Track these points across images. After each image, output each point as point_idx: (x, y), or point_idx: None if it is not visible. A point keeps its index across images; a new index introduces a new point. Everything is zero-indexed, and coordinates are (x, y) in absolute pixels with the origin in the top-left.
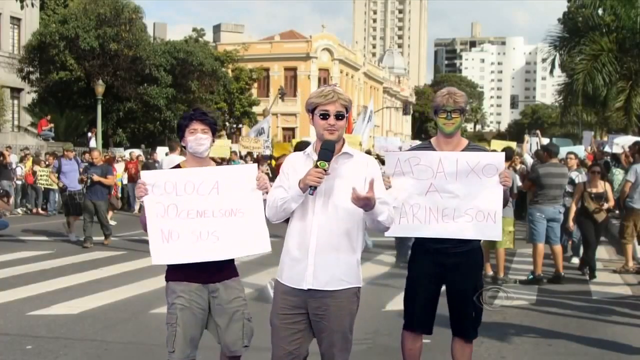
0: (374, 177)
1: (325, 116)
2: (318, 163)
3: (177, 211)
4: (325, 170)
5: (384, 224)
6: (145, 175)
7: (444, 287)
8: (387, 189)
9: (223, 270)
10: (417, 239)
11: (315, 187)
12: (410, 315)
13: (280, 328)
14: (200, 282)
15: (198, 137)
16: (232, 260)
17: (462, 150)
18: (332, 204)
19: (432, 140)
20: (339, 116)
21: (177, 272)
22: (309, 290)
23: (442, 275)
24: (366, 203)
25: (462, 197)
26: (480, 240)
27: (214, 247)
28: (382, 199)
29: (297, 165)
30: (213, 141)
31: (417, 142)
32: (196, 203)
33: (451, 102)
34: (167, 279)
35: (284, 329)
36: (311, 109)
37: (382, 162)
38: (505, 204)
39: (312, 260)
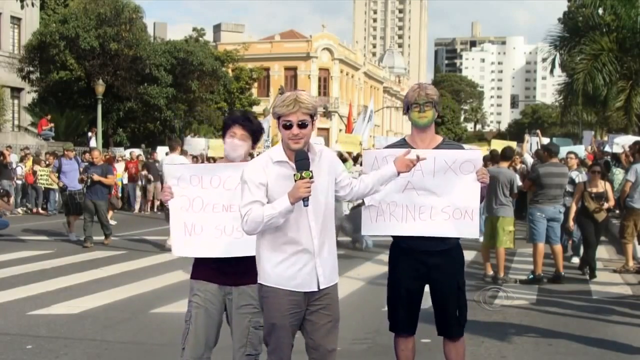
0: (332, 160)
1: (288, 126)
2: (302, 173)
3: (202, 204)
4: (310, 178)
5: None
6: (170, 170)
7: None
8: None
9: (241, 274)
10: (396, 239)
11: (308, 198)
12: (394, 317)
13: (288, 328)
14: (216, 283)
15: (234, 143)
16: (254, 265)
17: (437, 147)
18: (318, 204)
19: (407, 137)
20: (302, 125)
21: (197, 271)
22: (320, 290)
23: (425, 274)
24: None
25: (439, 194)
26: (459, 238)
27: (238, 242)
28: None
29: (271, 174)
30: (253, 148)
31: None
32: (222, 197)
33: (423, 95)
34: (190, 277)
35: (290, 327)
36: (276, 118)
37: None
38: (481, 201)
39: (319, 262)
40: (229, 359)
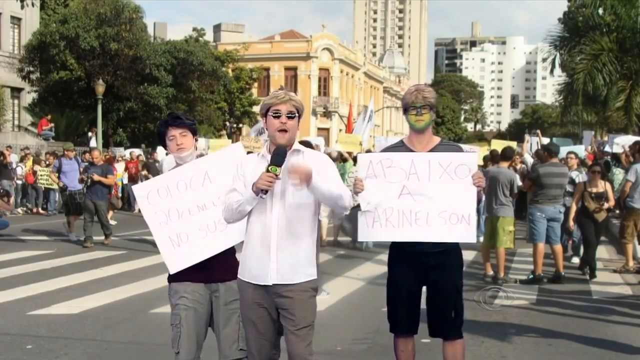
0: (324, 168)
1: (277, 115)
2: (269, 168)
3: (178, 213)
4: (276, 175)
5: (339, 199)
6: (137, 189)
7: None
8: (359, 192)
9: (226, 270)
10: (393, 242)
11: (266, 191)
12: (395, 318)
13: (257, 322)
14: (202, 282)
15: (178, 143)
16: (236, 261)
17: (434, 148)
18: (288, 201)
19: (405, 139)
20: (290, 116)
21: (179, 273)
22: (274, 285)
23: (423, 275)
24: (305, 175)
25: (435, 199)
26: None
27: (224, 235)
28: (335, 184)
29: (250, 167)
30: (196, 140)
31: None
32: (194, 198)
33: (420, 98)
34: (170, 280)
35: (260, 322)
36: (264, 112)
37: None
38: (477, 203)
39: (275, 257)
40: (212, 356)
